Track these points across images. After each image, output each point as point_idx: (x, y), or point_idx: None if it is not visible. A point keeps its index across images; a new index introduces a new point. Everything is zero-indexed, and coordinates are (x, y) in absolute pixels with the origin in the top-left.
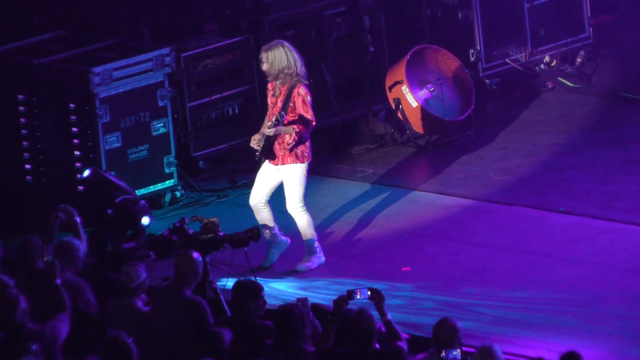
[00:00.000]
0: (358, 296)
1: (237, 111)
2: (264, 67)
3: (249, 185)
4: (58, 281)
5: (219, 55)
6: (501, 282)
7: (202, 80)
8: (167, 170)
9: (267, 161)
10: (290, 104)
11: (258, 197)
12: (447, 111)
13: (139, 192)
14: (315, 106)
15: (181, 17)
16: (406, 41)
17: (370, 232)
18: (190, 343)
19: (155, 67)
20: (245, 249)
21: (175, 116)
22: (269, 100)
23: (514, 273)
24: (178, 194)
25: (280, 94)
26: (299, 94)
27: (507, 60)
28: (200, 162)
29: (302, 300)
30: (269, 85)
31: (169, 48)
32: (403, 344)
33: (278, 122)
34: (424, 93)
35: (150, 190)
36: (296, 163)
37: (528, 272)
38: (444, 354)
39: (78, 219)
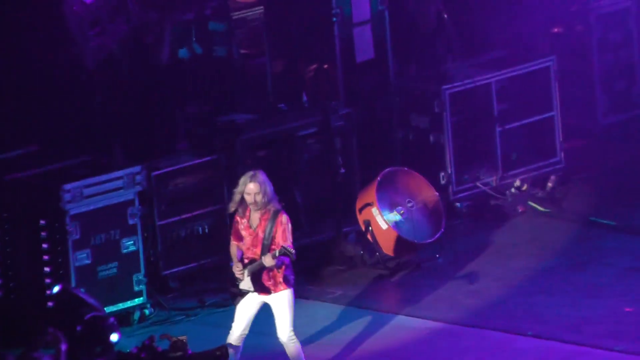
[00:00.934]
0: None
1: (207, 230)
2: (257, 198)
3: (218, 304)
4: None
5: (189, 174)
6: None
7: (173, 199)
8: (136, 288)
9: (251, 293)
10: (274, 230)
11: (243, 329)
12: (417, 234)
13: (108, 309)
14: None
15: (153, 135)
16: (377, 163)
17: (338, 355)
18: None
19: (126, 185)
20: None
21: (145, 234)
22: (243, 232)
23: None
24: (147, 311)
25: (259, 224)
26: (281, 223)
27: (478, 184)
28: (170, 280)
29: None
30: (238, 217)
31: (140, 167)
32: None
33: (287, 254)
34: (394, 215)
35: (119, 308)
36: (287, 289)
37: None
38: None
39: (63, 347)
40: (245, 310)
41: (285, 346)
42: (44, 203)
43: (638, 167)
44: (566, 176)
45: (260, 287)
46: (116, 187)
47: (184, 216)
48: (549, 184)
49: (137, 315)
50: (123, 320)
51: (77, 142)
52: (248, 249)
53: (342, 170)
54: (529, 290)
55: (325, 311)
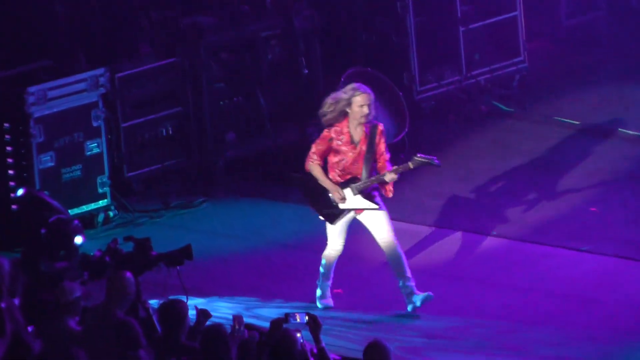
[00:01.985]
0: (297, 319)
1: (170, 132)
2: (371, 109)
3: (182, 206)
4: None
5: (153, 76)
6: (431, 306)
7: (136, 101)
8: (100, 190)
9: (350, 213)
10: (376, 143)
11: (341, 245)
12: None
13: (72, 211)
14: (250, 130)
15: (117, 39)
16: (341, 65)
17: (303, 255)
18: None
19: (90, 87)
20: (179, 268)
21: (109, 137)
22: (343, 148)
23: (445, 298)
24: (111, 214)
25: (362, 137)
26: (383, 134)
27: (442, 84)
28: (134, 182)
29: (238, 318)
30: (332, 133)
31: (103, 69)
32: None
33: (425, 163)
34: None
35: (83, 210)
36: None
37: (459, 297)
38: None
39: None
40: (343, 228)
41: (388, 248)
42: (7, 106)
43: (600, 69)
44: (530, 76)
45: (366, 205)
46: (80, 89)
47: (147, 118)
48: (513, 84)
49: (101, 217)
50: (87, 222)
51: (40, 46)
52: (350, 165)
53: (305, 71)
54: (493, 192)
55: (290, 212)
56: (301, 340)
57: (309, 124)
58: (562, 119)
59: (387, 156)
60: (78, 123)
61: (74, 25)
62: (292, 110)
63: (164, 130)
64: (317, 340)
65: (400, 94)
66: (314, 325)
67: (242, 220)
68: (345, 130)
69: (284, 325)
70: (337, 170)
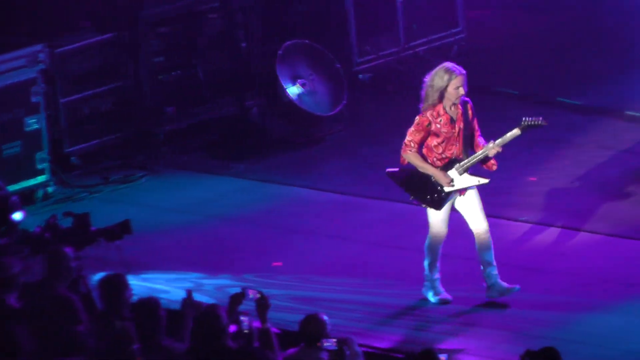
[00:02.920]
0: (250, 296)
1: (110, 107)
2: (465, 88)
3: (121, 180)
4: None
5: (92, 51)
6: (373, 277)
7: (76, 77)
8: (39, 166)
9: (454, 196)
10: (470, 119)
11: (446, 230)
12: (319, 106)
13: (11, 187)
14: (189, 102)
15: (55, 14)
16: (279, 38)
17: (242, 228)
18: (61, 340)
19: (29, 63)
20: (118, 242)
21: (49, 112)
22: (443, 129)
23: (386, 269)
24: (50, 189)
25: (458, 117)
26: (473, 108)
27: (380, 55)
28: (73, 158)
29: (190, 293)
30: (430, 117)
31: (42, 45)
32: (274, 356)
33: (533, 126)
34: (296, 88)
35: (22, 186)
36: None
37: (399, 268)
38: (323, 344)
39: None
40: (447, 213)
41: (480, 236)
42: None
43: (541, 37)
44: (468, 46)
45: (476, 181)
46: (19, 65)
47: (87, 93)
48: (452, 54)
49: (40, 193)
50: (26, 198)
51: None
52: (451, 145)
53: (243, 45)
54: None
55: (230, 185)
56: (247, 321)
57: (248, 97)
58: (501, 89)
59: (479, 131)
60: (17, 99)
61: (13, 1)
62: (231, 83)
63: (104, 106)
64: (263, 319)
65: (339, 65)
66: (263, 304)
67: (183, 194)
68: (442, 112)
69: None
70: (436, 154)
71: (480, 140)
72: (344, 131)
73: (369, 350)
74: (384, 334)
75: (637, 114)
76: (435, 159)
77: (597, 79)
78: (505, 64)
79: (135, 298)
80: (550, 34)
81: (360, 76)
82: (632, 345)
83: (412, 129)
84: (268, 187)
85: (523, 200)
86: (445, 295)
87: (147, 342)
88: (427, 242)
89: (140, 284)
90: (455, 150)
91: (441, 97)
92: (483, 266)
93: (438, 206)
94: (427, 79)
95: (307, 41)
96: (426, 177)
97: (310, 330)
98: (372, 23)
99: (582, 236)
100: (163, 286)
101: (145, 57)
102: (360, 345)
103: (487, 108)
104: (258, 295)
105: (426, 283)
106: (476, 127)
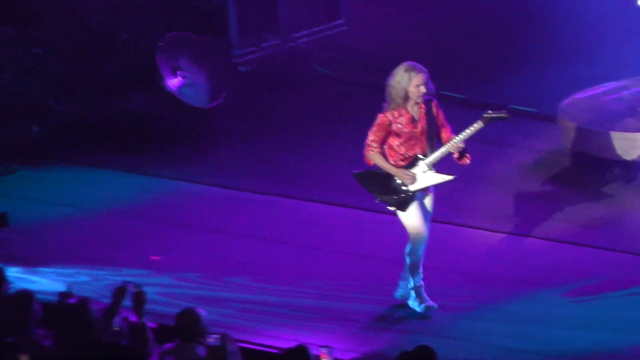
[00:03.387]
0: (130, 289)
1: None
2: (427, 87)
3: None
4: None
5: None
6: (255, 271)
7: None
8: None
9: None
10: (434, 117)
11: (426, 228)
12: (199, 98)
13: None
14: (71, 96)
15: None
16: (161, 30)
17: (124, 222)
18: None
19: None
20: None
21: None
22: (404, 129)
23: (271, 264)
24: None
25: (421, 115)
26: (438, 106)
27: (261, 48)
28: None
29: (69, 286)
30: (390, 117)
31: None
32: (148, 351)
33: (497, 119)
34: (175, 81)
35: None
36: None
37: (285, 262)
38: (206, 339)
39: None
40: (420, 212)
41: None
42: None
43: (426, 30)
44: (351, 39)
45: (441, 178)
46: None
47: None
48: (333, 46)
49: None
50: None
51: None
52: (414, 145)
53: (124, 36)
54: (319, 158)
55: (113, 179)
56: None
57: (130, 89)
58: (384, 82)
59: (449, 128)
60: None
61: None
62: (112, 76)
63: None
64: (139, 313)
65: (219, 57)
66: (139, 298)
67: (65, 187)
68: (404, 111)
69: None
70: (399, 155)
71: (452, 135)
72: (226, 124)
73: (246, 345)
74: (262, 330)
75: (522, 108)
76: (398, 160)
77: (481, 73)
78: (389, 57)
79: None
80: (434, 27)
81: (242, 68)
82: (509, 342)
83: (373, 128)
84: (151, 180)
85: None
86: (431, 302)
87: (18, 335)
88: (407, 247)
89: (18, 277)
90: (418, 150)
91: (406, 97)
92: (405, 269)
93: (403, 207)
94: (389, 79)
95: (187, 33)
96: (390, 178)
97: (186, 324)
98: (253, 14)
99: (466, 232)
100: (41, 279)
101: (30, 50)
102: (237, 340)
103: (369, 100)
104: (135, 289)
105: (411, 292)
106: (443, 122)
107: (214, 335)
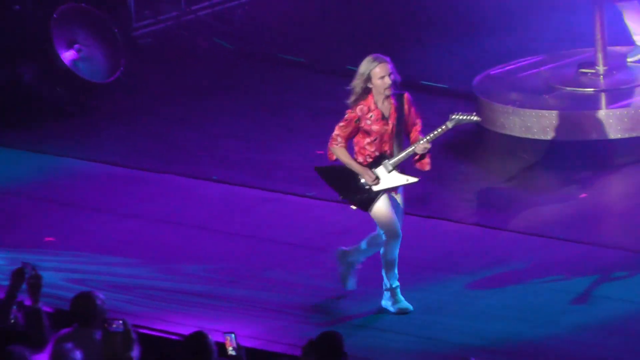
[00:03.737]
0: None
1: None
2: (392, 78)
3: None
4: None
5: None
6: (152, 255)
7: None
8: None
9: (385, 194)
10: (406, 114)
11: (399, 226)
12: (96, 73)
13: None
14: None
15: None
16: (54, 2)
17: (14, 201)
18: None
19: None
20: None
21: None
22: (373, 126)
23: (167, 246)
24: None
25: (391, 111)
26: (410, 101)
27: (159, 20)
28: None
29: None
30: (358, 113)
31: None
32: (43, 337)
33: (464, 122)
34: (70, 54)
35: None
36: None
37: (181, 245)
38: (110, 325)
39: None
40: (389, 210)
41: (377, 240)
42: None
43: (332, 3)
44: (254, 11)
45: (404, 180)
46: None
47: None
48: (235, 19)
49: None
50: None
51: None
52: (384, 144)
53: (17, 7)
54: (216, 133)
55: (29, 160)
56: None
57: (21, 62)
58: (287, 56)
59: (419, 126)
60: None
61: None
62: (5, 50)
63: None
64: (34, 298)
65: (116, 30)
66: (34, 282)
67: None
68: (372, 106)
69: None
70: (368, 152)
71: (420, 135)
72: (122, 99)
73: (147, 332)
74: (161, 315)
75: (433, 85)
76: (367, 157)
77: (391, 47)
78: (293, 31)
79: None
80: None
81: (140, 41)
82: (431, 331)
83: (340, 123)
84: (41, 158)
85: (309, 175)
86: (405, 304)
87: None
88: (382, 248)
89: None
90: (389, 147)
91: (367, 90)
92: (356, 261)
93: (366, 207)
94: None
95: (83, 4)
96: (354, 176)
97: (82, 309)
98: None
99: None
100: None
101: None
102: (137, 326)
103: (275, 78)
104: (32, 272)
105: (385, 293)
106: (414, 120)
107: (118, 321)
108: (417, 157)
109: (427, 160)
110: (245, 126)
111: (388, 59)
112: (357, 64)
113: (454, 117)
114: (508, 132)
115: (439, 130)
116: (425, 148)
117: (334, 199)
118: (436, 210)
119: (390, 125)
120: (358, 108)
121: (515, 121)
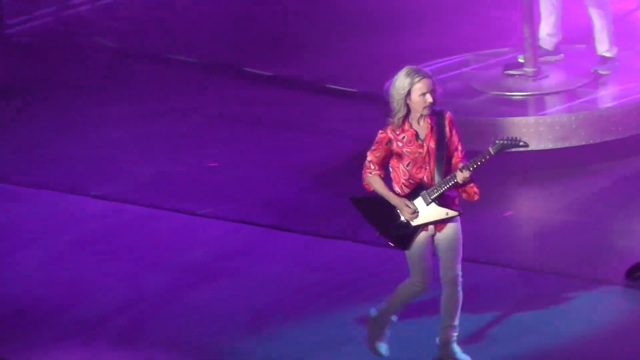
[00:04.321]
0: None
1: None
2: (434, 96)
3: None
4: None
5: None
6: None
7: None
8: None
9: (422, 232)
10: (446, 137)
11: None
12: None
13: None
14: None
15: None
16: None
17: None
18: None
19: None
20: None
21: None
22: (405, 149)
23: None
24: None
25: (428, 132)
26: (452, 121)
27: (36, 15)
28: None
29: None
30: (390, 134)
31: None
32: None
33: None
34: None
35: None
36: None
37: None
38: None
39: None
40: (422, 254)
41: (447, 285)
42: None
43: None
44: (135, 6)
45: (444, 213)
46: None
47: None
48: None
49: None
50: None
51: None
52: (419, 168)
53: None
54: (96, 142)
55: None
56: None
57: None
58: (177, 57)
59: (460, 152)
60: None
61: None
62: None
63: None
64: None
65: None
66: None
67: None
68: (406, 126)
69: None
70: (403, 180)
71: (463, 160)
72: None
73: None
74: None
75: (342, 89)
76: (403, 186)
77: (291, 47)
78: (184, 29)
79: None
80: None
81: (14, 39)
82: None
83: (372, 146)
84: None
85: (200, 189)
86: (384, 348)
87: None
88: (401, 284)
89: None
90: (425, 175)
91: (408, 109)
92: (441, 322)
93: (404, 245)
94: (389, 87)
95: None
96: (391, 208)
97: None
98: None
99: (272, 234)
100: None
101: None
102: None
103: (162, 80)
104: None
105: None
106: (456, 144)
107: None
108: (460, 187)
109: (474, 189)
110: (128, 134)
111: (429, 72)
112: (253, 65)
113: (497, 142)
114: None
115: (481, 157)
116: (465, 177)
117: (227, 217)
118: (343, 230)
119: (426, 148)
120: (389, 128)
121: None
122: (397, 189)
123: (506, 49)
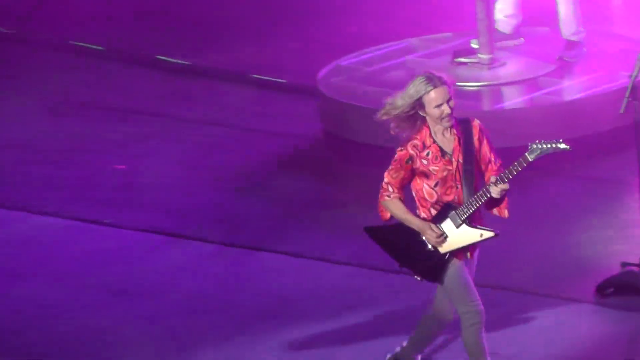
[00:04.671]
0: None
1: None
2: (452, 105)
3: None
4: None
5: None
6: None
7: None
8: None
9: (455, 260)
10: (476, 148)
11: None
12: None
13: None
14: None
15: None
16: None
17: None
18: None
19: None
20: None
21: None
22: (432, 167)
23: None
24: None
25: (455, 145)
26: (481, 130)
27: None
28: None
29: None
30: (411, 150)
31: None
32: None
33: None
34: None
35: None
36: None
37: None
38: None
39: None
40: (468, 277)
41: (438, 315)
42: None
43: None
44: None
45: (479, 235)
46: None
47: None
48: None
49: None
50: None
51: None
52: (450, 188)
53: None
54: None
55: None
56: None
57: None
58: (81, 43)
59: (495, 164)
60: None
61: None
62: None
63: None
64: None
65: None
66: None
67: None
68: (428, 141)
69: None
70: (431, 203)
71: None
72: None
73: None
74: None
75: (272, 79)
76: (432, 210)
77: (215, 36)
78: (93, 13)
79: None
80: None
81: None
82: None
83: (389, 166)
84: None
85: (104, 196)
86: None
87: None
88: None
89: None
90: (456, 194)
91: (418, 119)
92: (408, 342)
93: (434, 277)
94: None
95: None
96: (415, 235)
97: None
98: None
99: (195, 246)
100: None
101: None
102: None
103: (64, 70)
104: None
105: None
106: (489, 156)
107: None
108: (492, 202)
109: (504, 204)
110: (23, 131)
111: (446, 79)
112: (169, 53)
113: (535, 146)
114: (362, 139)
115: (516, 165)
116: (503, 190)
117: (137, 227)
118: (292, 246)
119: (455, 164)
120: (410, 144)
121: (371, 125)
122: (422, 213)
123: (455, 33)
